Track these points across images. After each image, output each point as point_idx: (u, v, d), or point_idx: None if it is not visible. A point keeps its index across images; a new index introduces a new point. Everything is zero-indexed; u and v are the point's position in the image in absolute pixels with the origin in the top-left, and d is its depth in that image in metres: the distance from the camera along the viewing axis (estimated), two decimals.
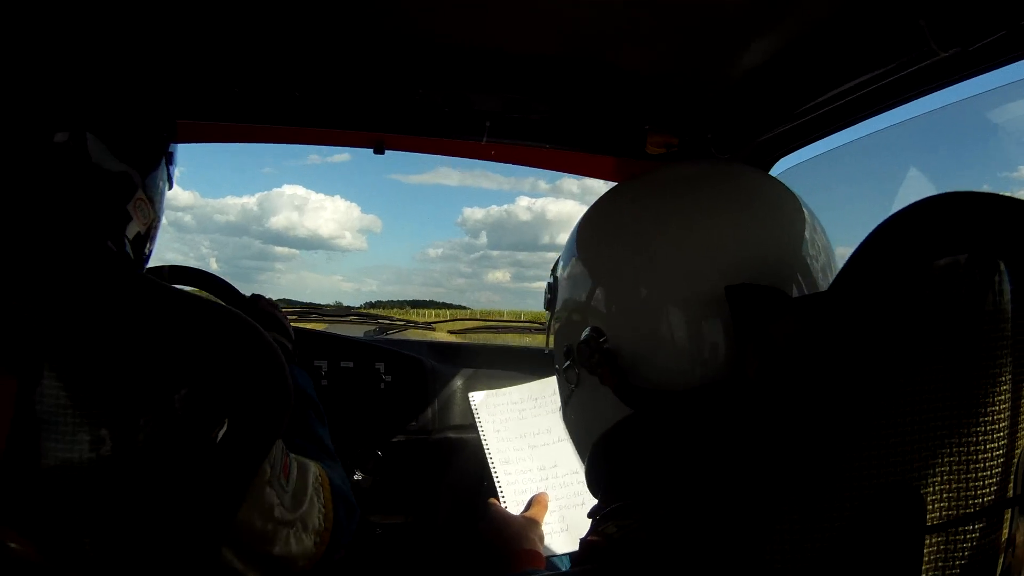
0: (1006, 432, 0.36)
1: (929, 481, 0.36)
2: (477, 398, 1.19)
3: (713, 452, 0.41)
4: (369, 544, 1.31)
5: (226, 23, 0.83)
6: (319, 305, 1.72)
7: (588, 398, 0.57)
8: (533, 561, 0.92)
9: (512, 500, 1.07)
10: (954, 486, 0.36)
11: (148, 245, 0.71)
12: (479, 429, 1.15)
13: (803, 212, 0.56)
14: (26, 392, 0.47)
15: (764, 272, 0.49)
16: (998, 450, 0.36)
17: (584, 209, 0.64)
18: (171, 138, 0.75)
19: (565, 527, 1.05)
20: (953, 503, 0.36)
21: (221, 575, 0.58)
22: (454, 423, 1.34)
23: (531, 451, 1.13)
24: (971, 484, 0.36)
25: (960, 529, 0.36)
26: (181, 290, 0.57)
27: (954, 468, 0.36)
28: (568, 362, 0.57)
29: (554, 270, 0.64)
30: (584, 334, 0.54)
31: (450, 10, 0.77)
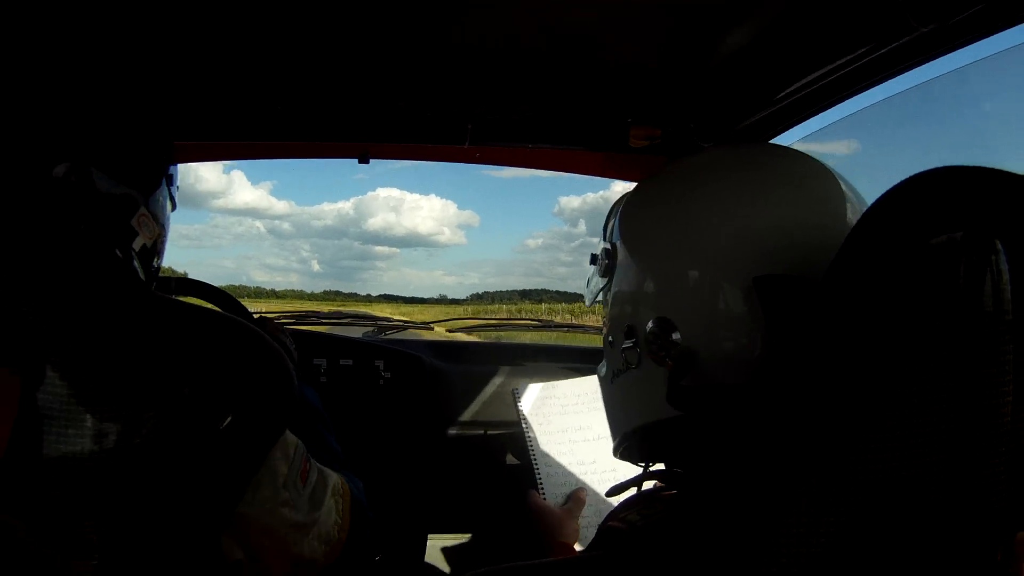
0: (1011, 414, 0.35)
1: (933, 473, 0.35)
2: (522, 391, 1.20)
3: (738, 447, 0.41)
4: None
5: (204, 45, 0.83)
6: (316, 311, 1.71)
7: (640, 384, 0.57)
8: (567, 553, 0.93)
9: (551, 493, 1.09)
10: (959, 473, 0.35)
11: (156, 260, 0.72)
12: (522, 422, 1.16)
13: (845, 189, 0.55)
14: (30, 390, 0.49)
15: (818, 250, 0.48)
16: (1003, 433, 0.35)
17: None
18: (168, 160, 0.76)
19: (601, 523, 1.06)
20: (958, 491, 0.36)
21: (227, 571, 0.59)
22: (462, 420, 1.34)
23: (571, 446, 1.14)
24: (976, 470, 0.35)
25: (965, 520, 0.36)
26: (182, 301, 0.59)
27: (959, 453, 0.35)
28: (631, 342, 0.56)
29: (608, 235, 0.63)
30: (651, 325, 0.54)
31: (428, 9, 0.76)
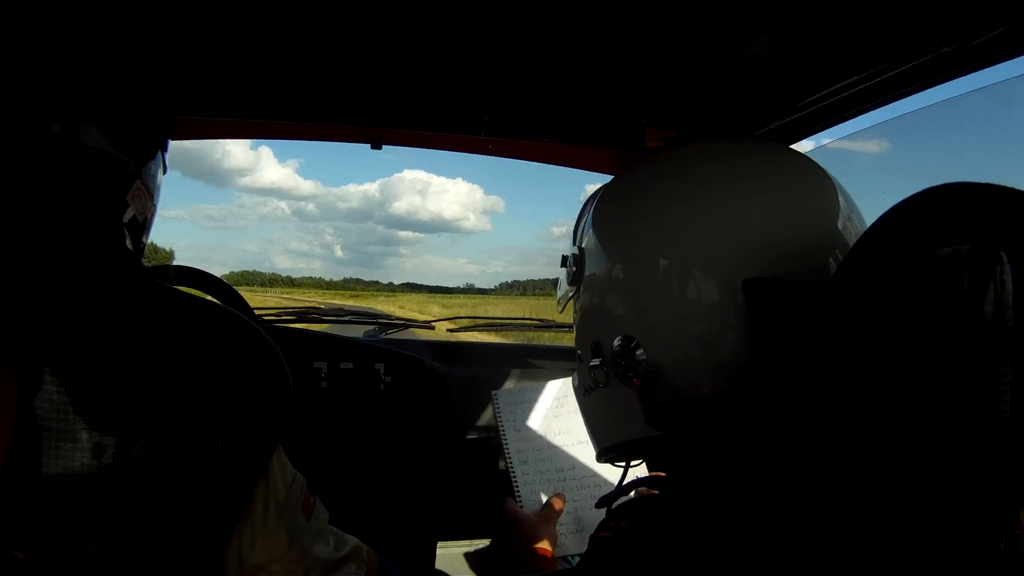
0: (1009, 422, 0.36)
1: (932, 472, 0.35)
2: (500, 396, 1.18)
3: (728, 449, 0.41)
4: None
5: (222, 18, 0.82)
6: (318, 307, 1.70)
7: (612, 404, 0.56)
8: (542, 560, 0.92)
9: (528, 500, 1.07)
10: (957, 477, 0.36)
11: (144, 235, 0.71)
12: (499, 427, 1.14)
13: (834, 187, 0.54)
14: (28, 396, 0.46)
15: (803, 250, 0.49)
16: (1001, 440, 0.36)
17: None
18: (167, 128, 0.75)
19: (580, 528, 1.05)
20: (956, 492, 0.36)
21: None
22: (463, 424, 1.32)
23: (550, 451, 1.12)
24: (974, 475, 0.36)
25: (964, 522, 0.36)
26: (182, 291, 0.56)
27: (957, 460, 0.36)
28: (598, 361, 0.55)
29: (577, 239, 0.61)
30: (617, 343, 0.52)
31: (446, 2, 0.77)
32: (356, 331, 1.60)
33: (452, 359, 1.43)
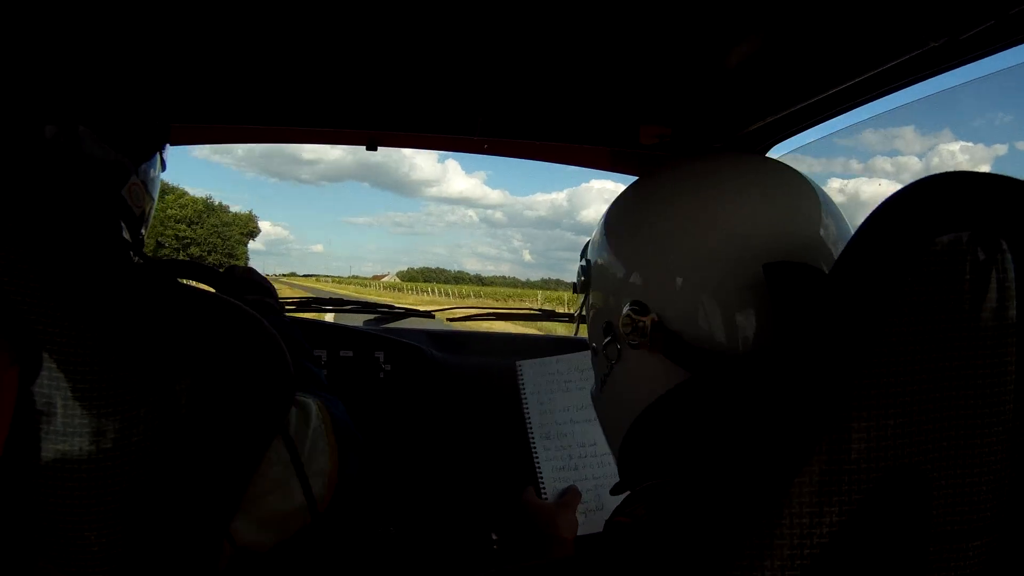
0: (1011, 413, 0.36)
1: (933, 463, 0.36)
2: (524, 367, 1.15)
3: (737, 431, 0.41)
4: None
5: (216, 25, 0.82)
6: (318, 298, 1.69)
7: (630, 372, 0.57)
8: (562, 549, 0.92)
9: (550, 477, 1.06)
10: (959, 469, 0.36)
11: (143, 227, 0.72)
12: (523, 399, 1.12)
13: (818, 194, 0.56)
14: (28, 382, 0.46)
15: (791, 246, 0.51)
16: (1003, 431, 0.36)
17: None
18: (165, 131, 0.75)
19: (600, 506, 1.04)
20: (958, 487, 0.36)
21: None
22: (464, 413, 1.32)
23: (572, 426, 1.11)
24: (975, 466, 0.36)
25: (965, 516, 0.37)
26: (181, 282, 0.57)
27: (959, 450, 0.36)
28: (608, 338, 0.57)
29: (584, 254, 0.64)
30: (625, 308, 0.54)
31: (440, 3, 0.77)
32: (356, 320, 1.59)
33: (452, 348, 1.43)
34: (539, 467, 1.07)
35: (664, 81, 0.95)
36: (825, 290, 0.38)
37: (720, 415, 0.50)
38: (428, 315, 1.70)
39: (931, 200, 0.36)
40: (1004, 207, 0.36)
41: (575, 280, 0.66)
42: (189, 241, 68.35)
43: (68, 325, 0.47)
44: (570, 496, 1.02)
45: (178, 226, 67.78)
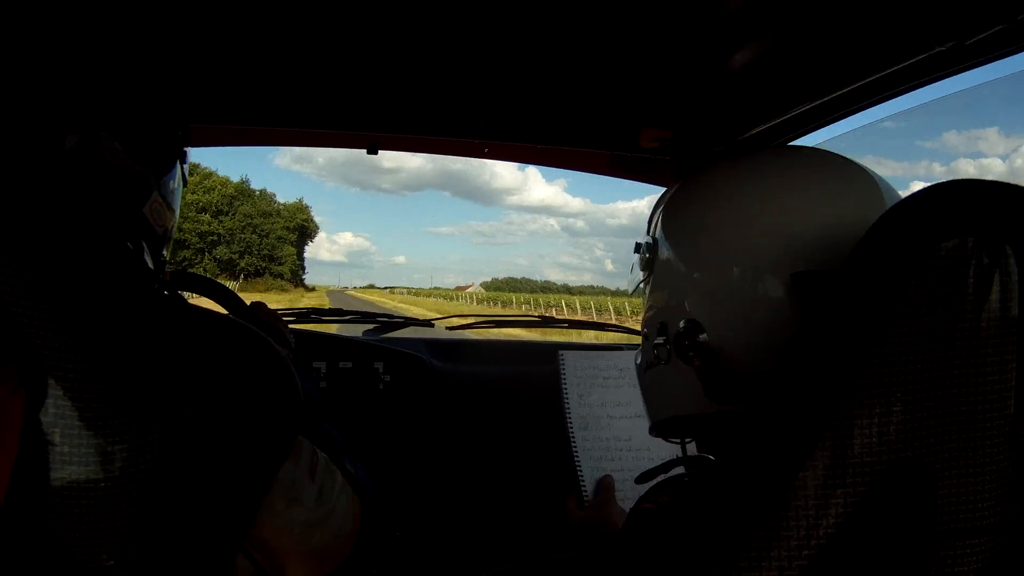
0: (1013, 412, 0.36)
1: (937, 457, 0.36)
2: (567, 357, 1.16)
3: (758, 429, 0.42)
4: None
5: (219, 29, 0.83)
6: (318, 308, 1.68)
7: (670, 379, 0.59)
8: None
9: (588, 467, 1.07)
10: (963, 465, 0.37)
11: (166, 247, 0.71)
12: (563, 388, 1.13)
13: (878, 184, 0.55)
14: (34, 408, 0.45)
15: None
16: (1007, 429, 0.36)
17: None
18: (184, 139, 0.74)
19: (634, 498, 1.04)
20: (962, 482, 0.37)
21: None
22: (464, 424, 1.31)
23: (609, 421, 1.12)
24: (979, 463, 0.37)
25: (970, 507, 0.37)
26: (194, 304, 0.56)
27: (962, 447, 0.36)
28: (662, 339, 0.59)
29: (651, 229, 0.64)
30: (682, 324, 0.56)
31: (440, 6, 0.77)
32: (355, 330, 1.58)
33: (452, 357, 1.42)
34: (577, 457, 1.07)
35: (665, 84, 0.95)
36: (832, 291, 0.39)
37: (753, 423, 0.51)
38: (428, 324, 1.71)
39: (937, 206, 0.37)
40: (1009, 213, 0.36)
41: (636, 252, 0.66)
42: (215, 239, 53.18)
43: (76, 351, 0.46)
44: (606, 488, 1.04)
45: (201, 217, 52.36)
